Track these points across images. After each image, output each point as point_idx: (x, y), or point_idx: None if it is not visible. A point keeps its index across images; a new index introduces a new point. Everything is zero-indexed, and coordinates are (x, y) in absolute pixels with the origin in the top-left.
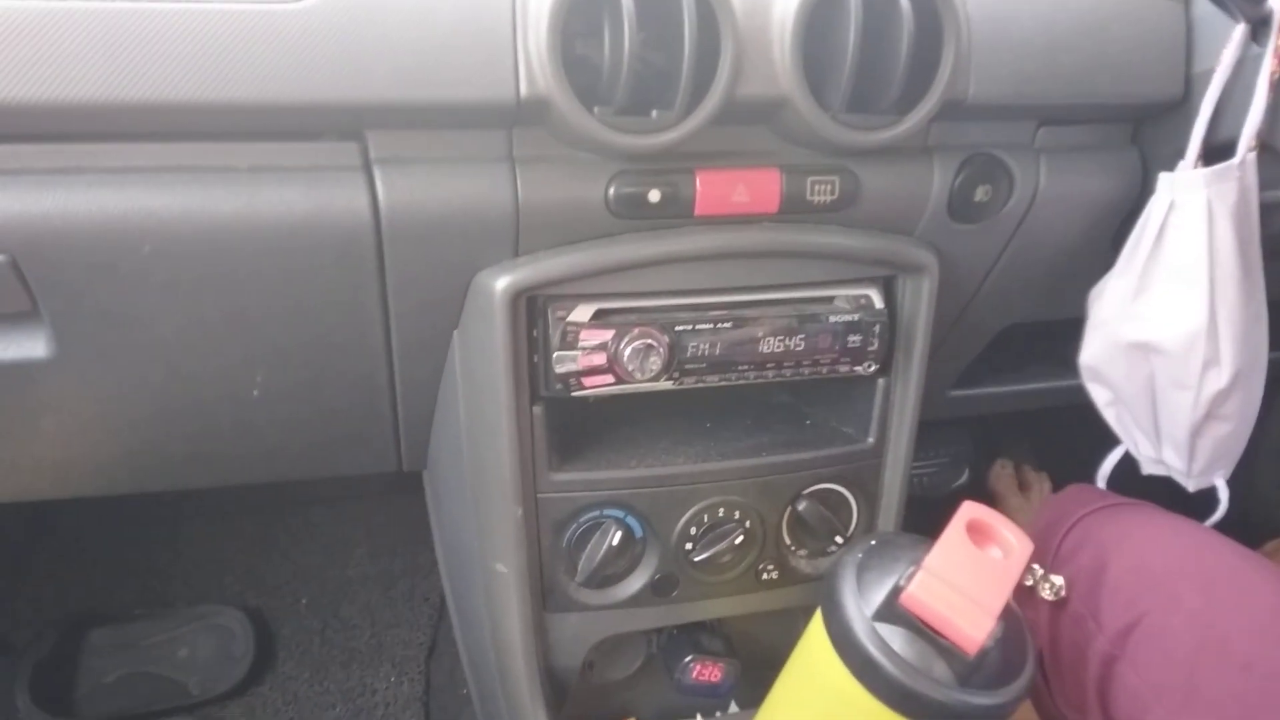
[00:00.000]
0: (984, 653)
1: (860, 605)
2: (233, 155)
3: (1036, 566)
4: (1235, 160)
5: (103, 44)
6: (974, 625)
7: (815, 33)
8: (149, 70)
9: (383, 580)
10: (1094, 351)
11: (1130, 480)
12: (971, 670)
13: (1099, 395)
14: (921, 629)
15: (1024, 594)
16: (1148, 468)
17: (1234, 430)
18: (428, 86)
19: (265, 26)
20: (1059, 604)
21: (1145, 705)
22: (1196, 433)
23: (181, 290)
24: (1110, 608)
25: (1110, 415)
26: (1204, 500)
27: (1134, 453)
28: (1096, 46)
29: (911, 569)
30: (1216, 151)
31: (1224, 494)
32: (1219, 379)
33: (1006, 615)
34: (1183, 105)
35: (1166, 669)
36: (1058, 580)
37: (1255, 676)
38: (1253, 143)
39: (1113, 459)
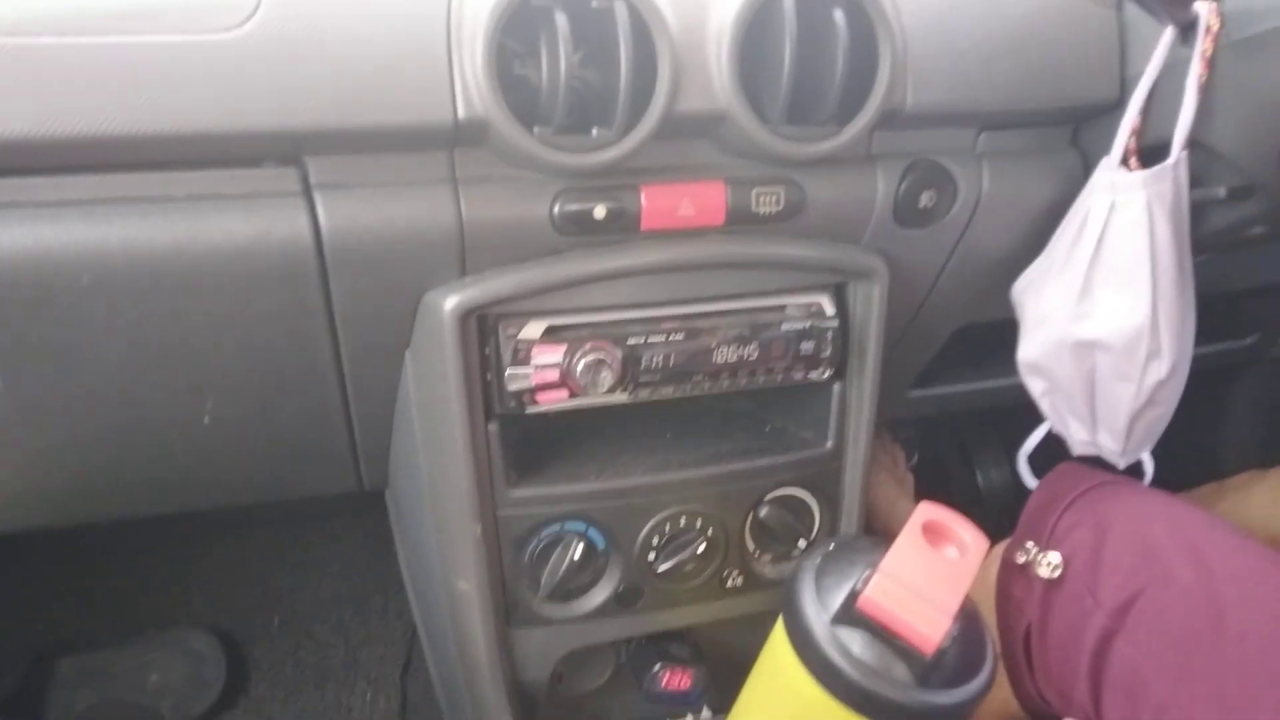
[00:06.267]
0: (941, 652)
1: (819, 610)
2: (170, 184)
3: (1031, 544)
4: (1171, 161)
5: (30, 80)
6: (930, 626)
7: (752, 46)
8: (79, 104)
9: (355, 598)
10: (1034, 348)
11: (1052, 450)
12: (930, 670)
13: (1035, 386)
14: (879, 631)
15: (1016, 572)
16: (1078, 449)
17: (1164, 412)
18: (365, 111)
19: (199, 56)
20: (1054, 582)
21: (1143, 680)
22: (1135, 418)
23: (123, 321)
24: (1109, 584)
25: (1045, 403)
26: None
27: (1063, 435)
28: (1032, 52)
29: (868, 572)
30: (1150, 152)
31: (1149, 465)
32: (1160, 369)
33: (964, 613)
34: (1119, 107)
35: (1164, 643)
36: (1055, 557)
37: (1250, 648)
38: (1185, 143)
39: (1035, 437)
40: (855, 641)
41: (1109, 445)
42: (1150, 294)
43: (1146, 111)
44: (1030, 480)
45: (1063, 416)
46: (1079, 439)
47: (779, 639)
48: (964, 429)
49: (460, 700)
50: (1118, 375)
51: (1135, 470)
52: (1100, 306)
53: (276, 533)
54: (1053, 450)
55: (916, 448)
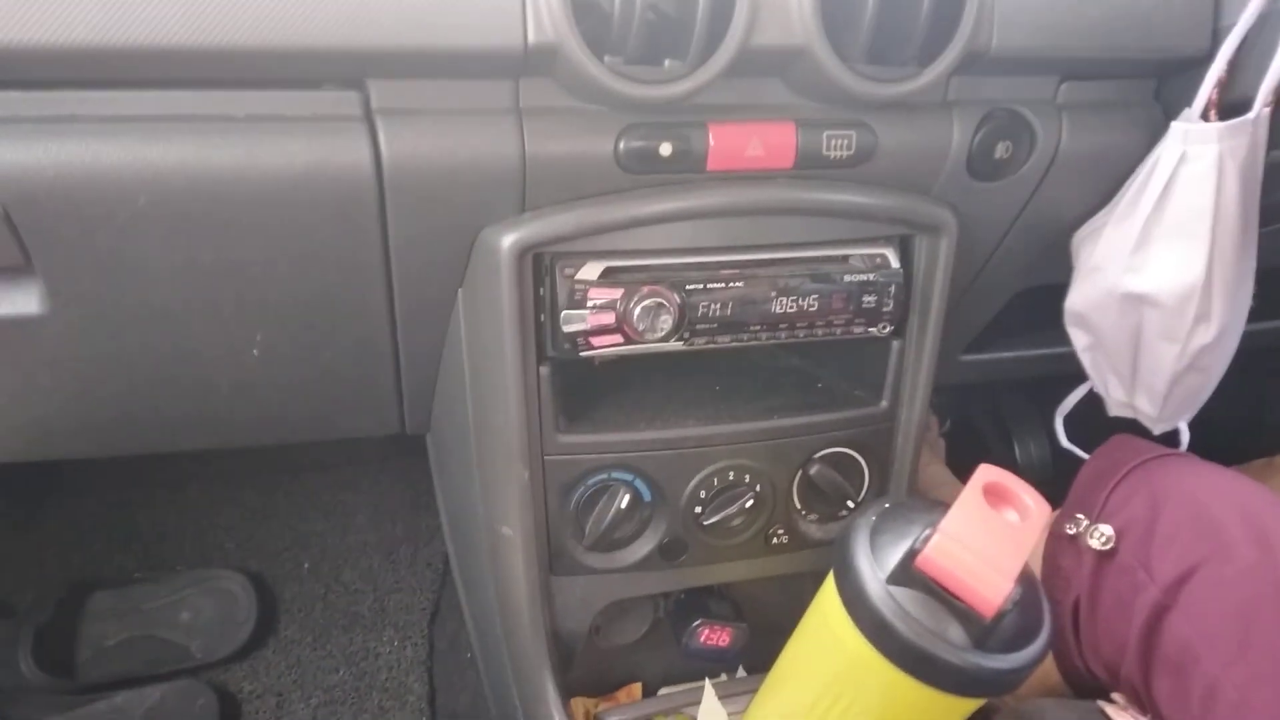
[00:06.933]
0: (1000, 616)
1: (874, 568)
2: (230, 104)
3: (1082, 516)
4: (1251, 115)
5: None
6: (991, 588)
7: None
8: (144, 14)
9: (384, 545)
10: (1083, 297)
11: (1083, 418)
12: (987, 633)
13: (1079, 339)
14: (937, 592)
15: (1065, 544)
16: (1115, 410)
17: (1206, 381)
18: (432, 32)
19: None
20: (1106, 554)
21: (1196, 656)
22: (1175, 382)
23: (179, 244)
24: (1163, 558)
25: (1086, 359)
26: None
27: (1102, 394)
28: None
29: (927, 531)
30: (1233, 107)
31: (1185, 435)
32: (1206, 333)
33: (1023, 578)
34: (1208, 61)
35: (1220, 620)
36: (1107, 530)
37: None
38: (1269, 99)
39: (1075, 397)
40: (911, 601)
41: (1145, 409)
42: (1207, 253)
43: (1235, 64)
44: (1064, 437)
45: (1103, 373)
46: (1116, 399)
47: (828, 597)
48: (1002, 400)
49: (496, 647)
50: (1164, 334)
51: (1171, 439)
52: (1155, 260)
53: (308, 478)
54: (1088, 417)
55: (949, 414)
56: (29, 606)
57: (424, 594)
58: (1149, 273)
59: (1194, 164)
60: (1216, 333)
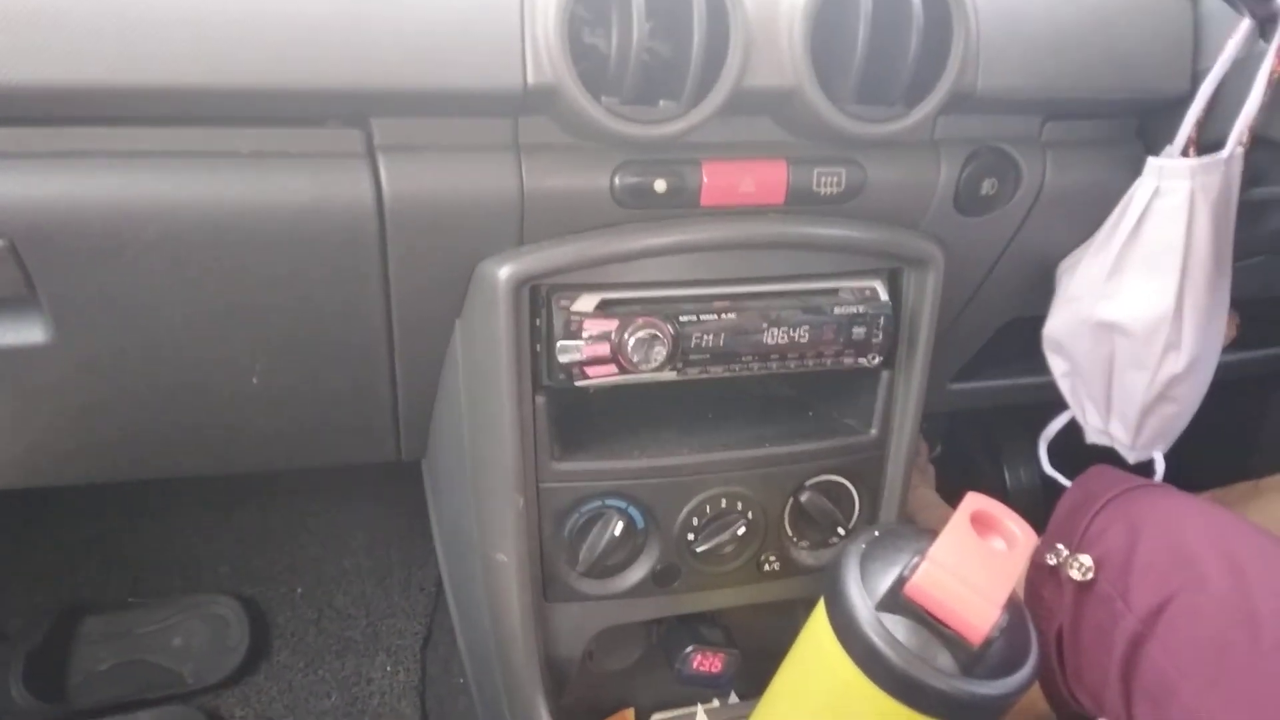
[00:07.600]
0: (988, 643)
1: (864, 595)
2: (236, 140)
3: (1062, 546)
4: (1223, 154)
5: (107, 27)
6: (978, 615)
7: (824, 24)
8: (153, 54)
9: (378, 571)
10: (1060, 324)
11: (1068, 446)
12: (975, 660)
13: (1057, 365)
14: (925, 619)
15: (1046, 574)
16: (1092, 437)
17: (1180, 411)
18: (434, 73)
19: (270, 10)
20: (1085, 585)
21: (1172, 686)
22: (1147, 411)
23: (183, 276)
24: (1140, 588)
25: (1065, 385)
26: (1141, 471)
27: (1080, 421)
28: (1104, 41)
29: (916, 559)
30: (1209, 146)
31: (1160, 466)
32: (1176, 364)
33: (1010, 606)
34: (1188, 101)
35: (1195, 650)
36: (1086, 560)
37: None
38: (1243, 138)
39: (1058, 424)
40: (900, 628)
41: (1120, 436)
42: (1178, 285)
43: (1213, 104)
44: (1048, 464)
45: (1081, 400)
46: (1093, 425)
47: (819, 623)
48: (993, 426)
49: (490, 672)
50: (1134, 362)
51: (1146, 469)
52: (1126, 290)
53: (301, 503)
54: (1074, 444)
55: (940, 439)
56: (20, 631)
57: (417, 619)
58: (1120, 301)
59: (1167, 198)
60: (1187, 363)
